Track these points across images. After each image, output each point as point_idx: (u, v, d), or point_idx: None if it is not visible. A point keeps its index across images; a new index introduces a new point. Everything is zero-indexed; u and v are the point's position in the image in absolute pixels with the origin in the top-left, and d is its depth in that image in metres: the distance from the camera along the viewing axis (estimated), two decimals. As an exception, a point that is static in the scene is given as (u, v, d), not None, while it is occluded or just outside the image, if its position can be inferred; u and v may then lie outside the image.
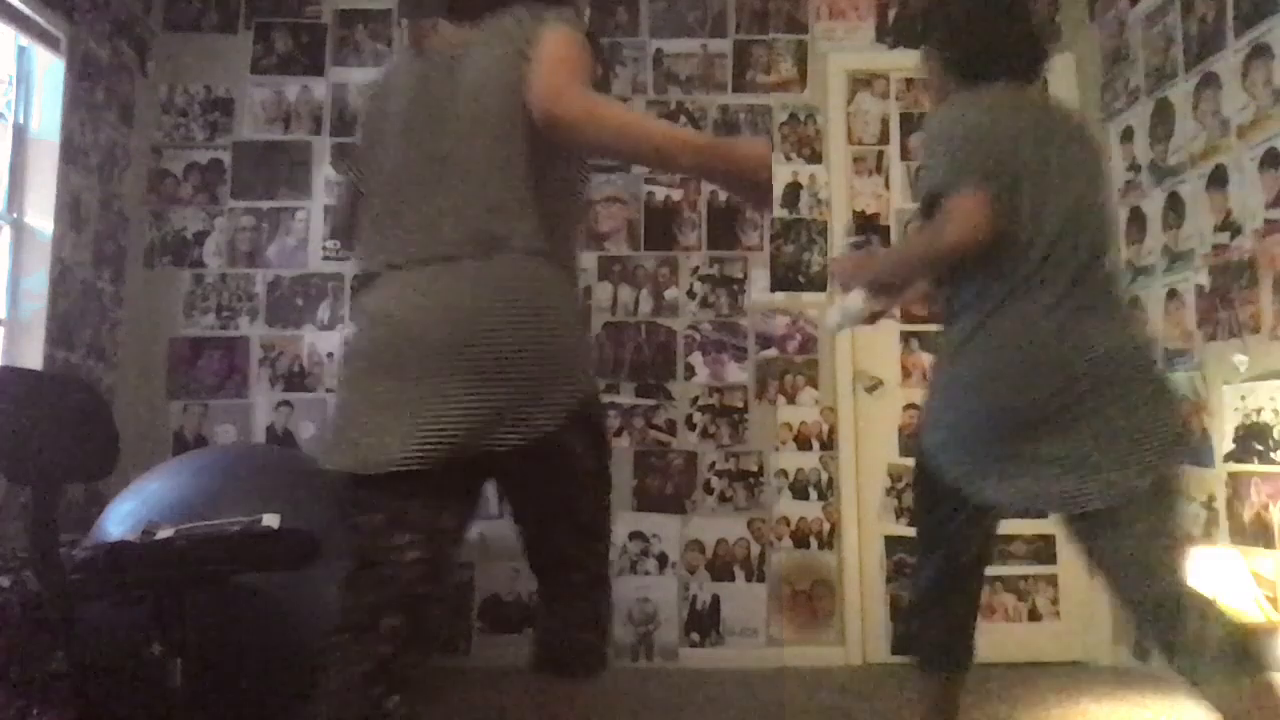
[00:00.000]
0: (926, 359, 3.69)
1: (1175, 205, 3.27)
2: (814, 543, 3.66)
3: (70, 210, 3.30)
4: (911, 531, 3.71)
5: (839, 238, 3.80)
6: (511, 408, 1.43)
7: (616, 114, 1.50)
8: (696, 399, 3.72)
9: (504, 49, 1.55)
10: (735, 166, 1.48)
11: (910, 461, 3.80)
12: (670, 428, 3.71)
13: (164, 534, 2.18)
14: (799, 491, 3.69)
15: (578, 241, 1.69)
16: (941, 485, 1.86)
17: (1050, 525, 3.66)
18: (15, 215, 3.17)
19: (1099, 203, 1.86)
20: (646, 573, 3.62)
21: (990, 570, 3.47)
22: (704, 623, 3.62)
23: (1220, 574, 2.65)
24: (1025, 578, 3.63)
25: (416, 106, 1.62)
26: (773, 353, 3.76)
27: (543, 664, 1.73)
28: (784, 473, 3.70)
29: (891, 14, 3.93)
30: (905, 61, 3.92)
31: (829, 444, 3.71)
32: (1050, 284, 1.74)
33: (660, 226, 3.82)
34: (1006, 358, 1.73)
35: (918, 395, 3.70)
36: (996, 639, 3.57)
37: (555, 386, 1.46)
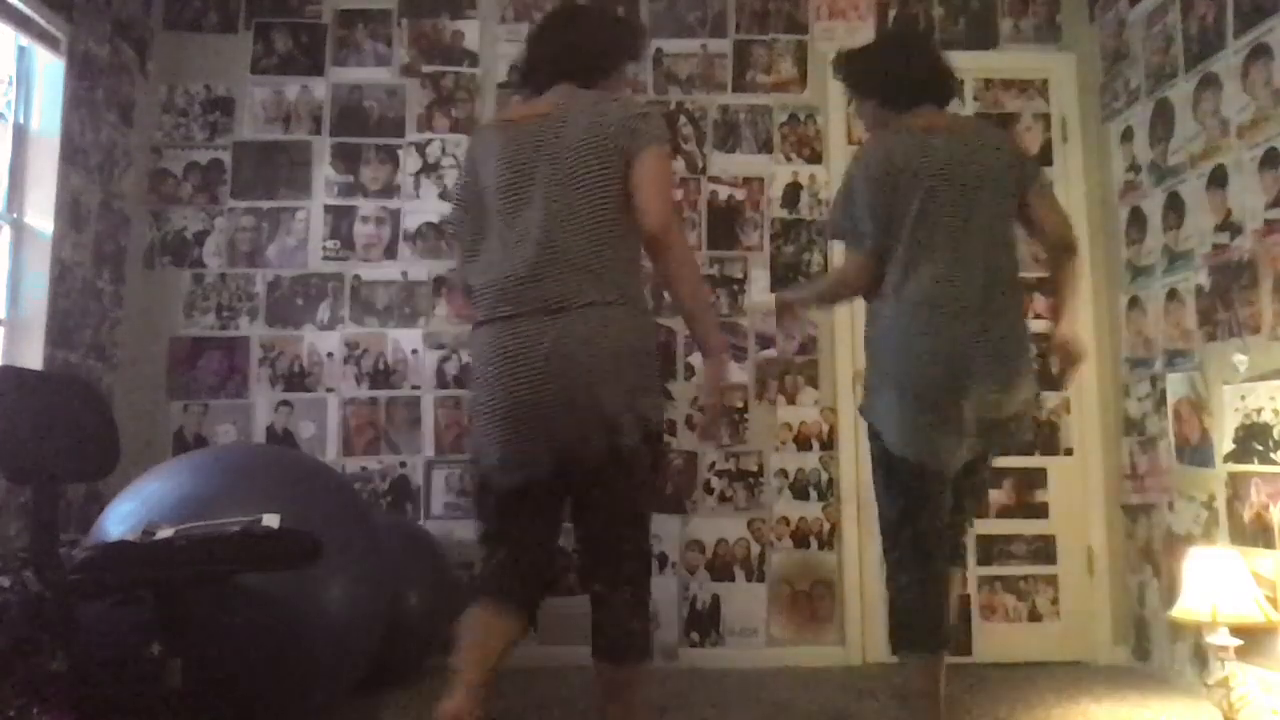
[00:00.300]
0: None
1: (1175, 205, 3.27)
2: (814, 543, 3.67)
3: (70, 210, 3.30)
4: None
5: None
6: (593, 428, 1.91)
7: (690, 253, 2.04)
8: (696, 399, 3.72)
9: (601, 135, 1.95)
10: (713, 378, 2.08)
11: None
12: (670, 428, 3.71)
13: (164, 534, 2.18)
14: (799, 491, 3.69)
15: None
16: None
17: (1051, 526, 3.66)
18: (15, 215, 3.17)
19: (1002, 207, 2.29)
20: (646, 573, 3.62)
21: (990, 570, 3.51)
22: (704, 623, 3.62)
23: (1220, 574, 2.65)
24: (1025, 578, 3.63)
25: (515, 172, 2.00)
26: (773, 353, 3.76)
27: (600, 652, 1.98)
28: (784, 473, 3.70)
29: (892, 14, 3.94)
30: (905, 61, 3.93)
31: (829, 444, 3.71)
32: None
33: (660, 226, 3.81)
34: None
35: (918, 395, 3.70)
36: (996, 639, 3.58)
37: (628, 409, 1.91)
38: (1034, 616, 3.61)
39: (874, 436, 2.37)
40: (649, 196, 1.91)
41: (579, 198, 1.93)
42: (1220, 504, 2.97)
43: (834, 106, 3.87)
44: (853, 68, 2.47)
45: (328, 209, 3.81)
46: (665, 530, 3.64)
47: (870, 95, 2.44)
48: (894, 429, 2.28)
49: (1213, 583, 2.65)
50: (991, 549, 3.63)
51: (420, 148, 3.84)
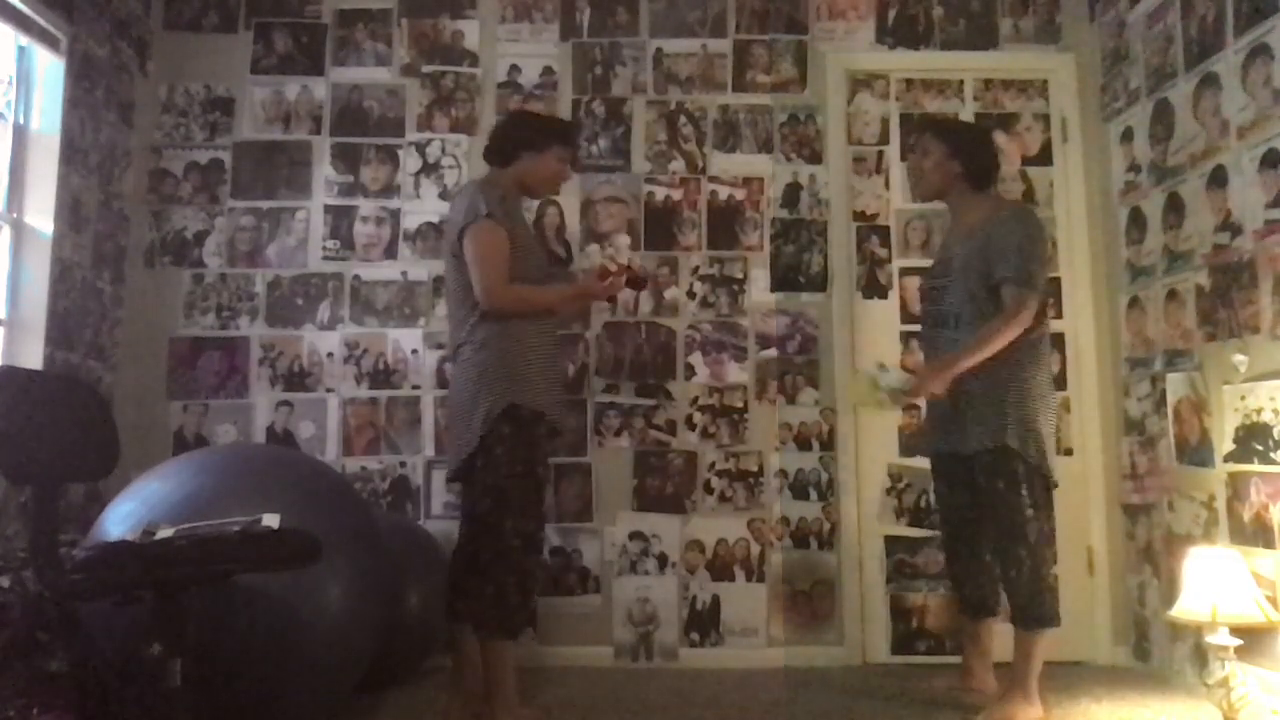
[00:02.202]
0: (926, 359, 3.69)
1: (1175, 205, 3.27)
2: (814, 543, 3.66)
3: (70, 210, 3.30)
4: (911, 531, 3.75)
5: (839, 239, 3.80)
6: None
7: (523, 296, 2.64)
8: (696, 399, 3.72)
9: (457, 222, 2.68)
10: (584, 299, 3.14)
11: (910, 461, 3.82)
12: (670, 428, 3.71)
13: (164, 534, 2.18)
14: (799, 491, 3.69)
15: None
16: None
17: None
18: (15, 215, 3.17)
19: None
20: (646, 573, 3.62)
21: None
22: (704, 623, 3.62)
23: (1220, 574, 2.65)
24: (1025, 578, 3.62)
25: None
26: (773, 353, 3.76)
27: None
28: (784, 473, 3.70)
29: (891, 14, 3.94)
30: (905, 62, 3.93)
31: (829, 444, 3.71)
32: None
33: (660, 226, 3.82)
34: None
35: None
36: (997, 639, 3.57)
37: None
38: (1034, 616, 3.60)
39: (1035, 468, 2.76)
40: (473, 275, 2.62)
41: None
42: (1220, 504, 2.97)
43: (834, 106, 3.87)
44: (966, 139, 3.03)
45: (328, 209, 3.81)
46: (665, 530, 3.64)
47: (968, 166, 2.95)
48: (1050, 456, 2.79)
49: (1213, 583, 2.64)
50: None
51: (420, 148, 3.84)
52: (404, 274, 3.78)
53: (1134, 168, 3.55)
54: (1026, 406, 2.75)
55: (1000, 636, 3.00)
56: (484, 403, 2.56)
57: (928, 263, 3.75)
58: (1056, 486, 2.84)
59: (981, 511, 2.86)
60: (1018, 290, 2.72)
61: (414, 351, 3.74)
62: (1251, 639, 2.64)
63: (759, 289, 3.79)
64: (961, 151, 2.94)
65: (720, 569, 3.65)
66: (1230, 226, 2.97)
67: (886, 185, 3.86)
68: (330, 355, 3.74)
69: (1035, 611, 2.73)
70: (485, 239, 2.58)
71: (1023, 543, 2.73)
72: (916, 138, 3.11)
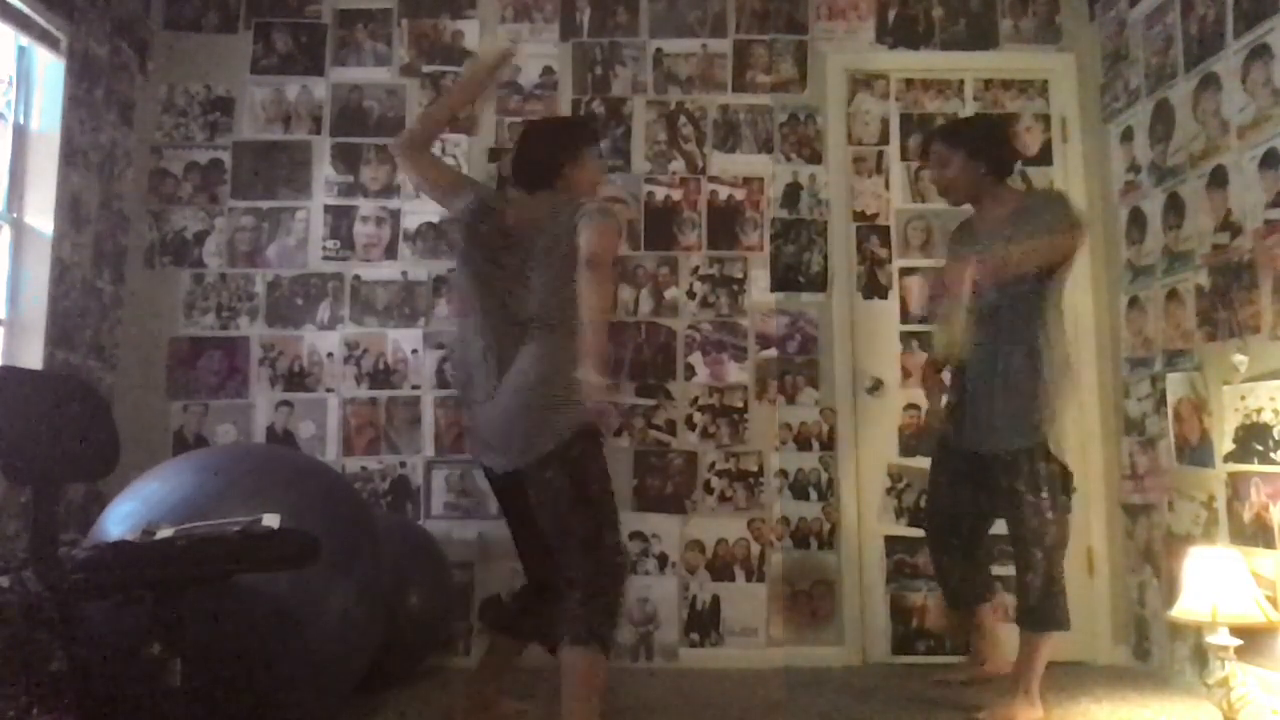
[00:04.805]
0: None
1: (1175, 205, 3.27)
2: (814, 543, 3.66)
3: (70, 210, 3.30)
4: (911, 531, 3.74)
5: (839, 239, 3.80)
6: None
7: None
8: (696, 399, 3.72)
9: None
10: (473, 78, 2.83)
11: (909, 461, 3.82)
12: (670, 428, 3.71)
13: (164, 534, 2.18)
14: (799, 491, 3.69)
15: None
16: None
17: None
18: (15, 215, 3.17)
19: None
20: (646, 573, 3.62)
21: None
22: (704, 623, 3.62)
23: (1220, 574, 2.65)
24: (1025, 578, 3.62)
25: None
26: (773, 353, 3.76)
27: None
28: (784, 473, 3.70)
29: (891, 14, 3.94)
30: (905, 62, 3.93)
31: (829, 444, 3.71)
32: None
33: (660, 226, 3.81)
34: None
35: (918, 395, 3.69)
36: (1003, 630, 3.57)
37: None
38: (1034, 616, 3.60)
39: (1060, 468, 2.75)
40: None
41: None
42: (1220, 504, 2.97)
43: (834, 106, 3.87)
44: (981, 136, 2.98)
45: (328, 209, 3.81)
46: (665, 530, 3.64)
47: (990, 163, 2.93)
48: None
49: (1213, 583, 2.64)
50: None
51: (420, 148, 3.84)
52: (404, 274, 3.78)
53: (1134, 168, 3.55)
54: (1054, 404, 2.74)
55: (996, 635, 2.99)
56: (573, 408, 2.41)
57: (928, 263, 3.77)
58: (1075, 491, 2.85)
59: (994, 510, 2.87)
60: (1069, 227, 2.75)
61: (414, 351, 3.74)
62: (1251, 639, 2.64)
63: (759, 289, 3.79)
64: (980, 150, 2.92)
65: (720, 569, 3.65)
66: (1230, 226, 2.97)
67: (886, 185, 3.86)
68: (330, 355, 3.74)
69: (1045, 614, 2.72)
70: (612, 243, 2.52)
71: (1039, 545, 2.71)
72: (929, 149, 3.05)
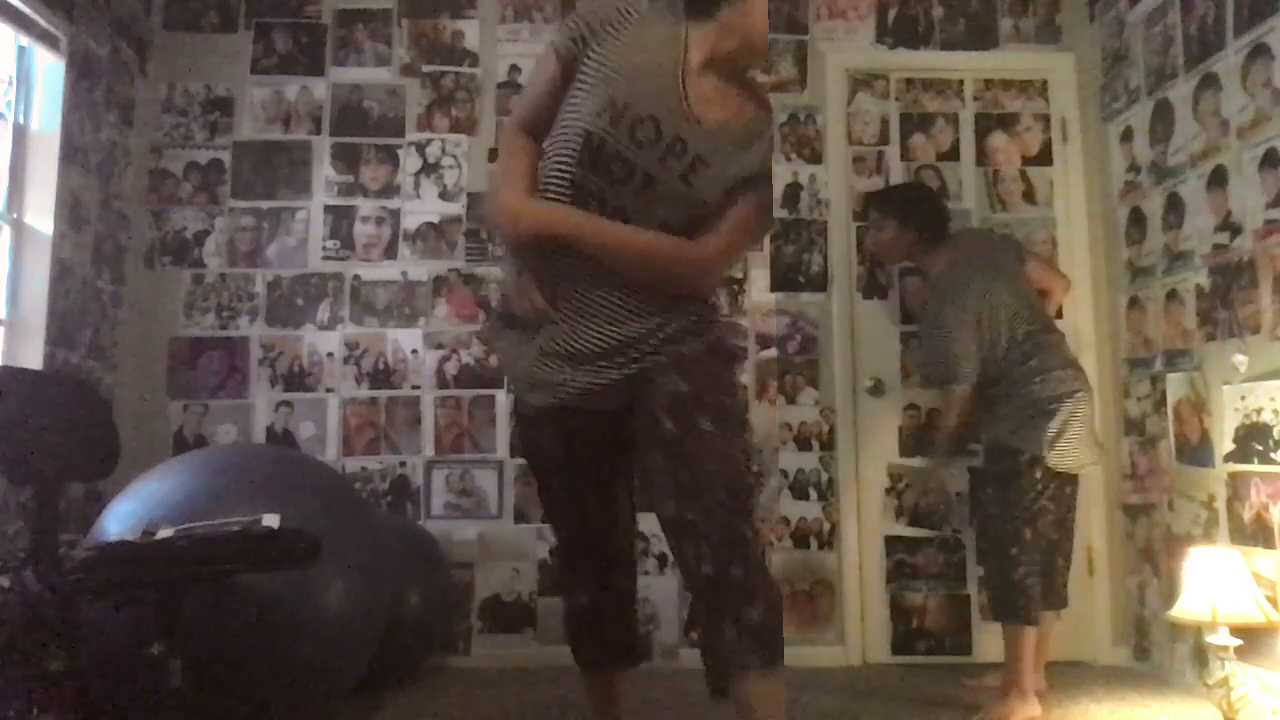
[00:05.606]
0: (926, 359, 3.70)
1: (1175, 205, 3.27)
2: (814, 543, 3.66)
3: (70, 210, 3.30)
4: (911, 531, 3.73)
5: (839, 239, 3.80)
6: None
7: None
8: (696, 399, 3.72)
9: None
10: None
11: (910, 461, 3.81)
12: (670, 428, 3.70)
13: (164, 534, 2.18)
14: (799, 491, 3.69)
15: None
16: None
17: (1050, 525, 3.66)
18: (15, 215, 3.16)
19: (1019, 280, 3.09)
20: (646, 573, 3.61)
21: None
22: (704, 623, 3.61)
23: (1220, 574, 2.65)
24: (1025, 578, 3.62)
25: None
26: (773, 353, 3.76)
27: None
28: (784, 473, 3.70)
29: (891, 14, 3.94)
30: (905, 62, 3.93)
31: (829, 444, 3.71)
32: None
33: (660, 226, 3.81)
34: None
35: (918, 395, 3.70)
36: (996, 639, 3.57)
37: None
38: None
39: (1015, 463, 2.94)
40: None
41: None
42: (1220, 504, 2.97)
43: (834, 106, 3.87)
44: (912, 204, 3.23)
45: (328, 209, 3.81)
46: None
47: (920, 229, 3.16)
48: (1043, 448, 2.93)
49: (1213, 583, 2.64)
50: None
51: (420, 148, 3.84)
52: (404, 274, 3.78)
53: (1134, 168, 3.55)
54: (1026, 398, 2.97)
55: (1000, 637, 2.99)
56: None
57: (927, 263, 3.77)
58: (1040, 489, 2.91)
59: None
60: (944, 383, 3.07)
61: (414, 351, 3.74)
62: (1251, 639, 2.64)
63: (759, 289, 3.79)
64: (910, 218, 3.18)
65: (720, 569, 3.64)
66: (1230, 226, 2.97)
67: (887, 185, 3.86)
68: (330, 355, 3.74)
69: (1001, 606, 2.90)
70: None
71: (984, 538, 3.05)
72: (868, 213, 3.42)
